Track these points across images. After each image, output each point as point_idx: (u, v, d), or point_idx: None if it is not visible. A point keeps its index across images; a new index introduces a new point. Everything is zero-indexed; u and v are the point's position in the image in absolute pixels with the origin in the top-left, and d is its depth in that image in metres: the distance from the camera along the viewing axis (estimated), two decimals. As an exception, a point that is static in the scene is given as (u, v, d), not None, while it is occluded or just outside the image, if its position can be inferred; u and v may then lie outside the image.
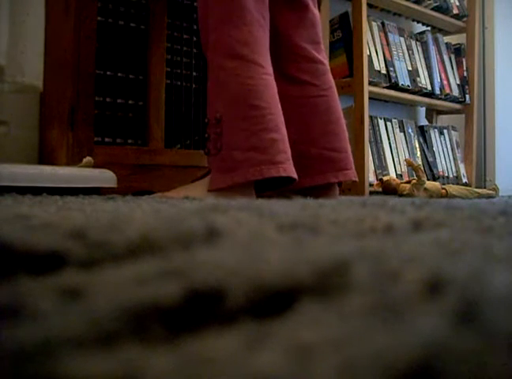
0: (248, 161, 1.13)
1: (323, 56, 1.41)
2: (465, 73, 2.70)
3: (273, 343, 0.17)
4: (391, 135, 2.33)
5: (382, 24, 2.31)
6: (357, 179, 1.42)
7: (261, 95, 1.16)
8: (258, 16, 1.21)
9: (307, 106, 1.35)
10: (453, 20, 2.64)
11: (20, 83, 1.20)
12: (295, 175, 1.18)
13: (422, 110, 2.82)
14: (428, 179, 2.08)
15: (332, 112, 1.37)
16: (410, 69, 2.38)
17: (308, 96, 1.35)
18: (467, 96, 2.67)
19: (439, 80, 2.53)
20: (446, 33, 2.74)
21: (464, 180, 2.62)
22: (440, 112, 2.78)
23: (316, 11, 1.41)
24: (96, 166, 1.25)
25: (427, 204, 0.73)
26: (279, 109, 1.19)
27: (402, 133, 2.39)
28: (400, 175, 2.27)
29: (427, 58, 2.50)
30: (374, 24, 2.27)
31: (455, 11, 2.61)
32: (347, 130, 1.42)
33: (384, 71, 2.24)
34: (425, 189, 1.84)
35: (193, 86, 1.57)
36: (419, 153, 2.45)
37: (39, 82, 1.26)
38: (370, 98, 2.14)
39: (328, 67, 1.42)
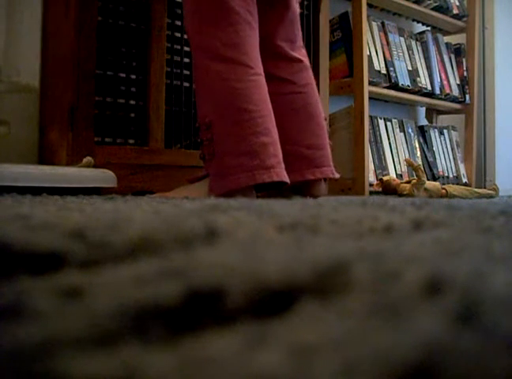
0: (240, 166, 1.12)
1: (300, 53, 1.40)
2: (465, 73, 2.70)
3: (273, 343, 0.17)
4: (391, 135, 2.33)
5: (382, 24, 2.31)
6: (335, 176, 1.40)
7: (250, 98, 1.15)
8: (245, 15, 1.19)
9: (284, 104, 1.33)
10: (453, 20, 2.64)
11: (16, 83, 1.20)
12: (286, 179, 1.18)
13: (422, 110, 2.82)
14: (428, 179, 2.08)
15: (310, 109, 1.36)
16: (410, 69, 2.38)
17: (284, 93, 1.33)
18: (467, 96, 2.67)
19: (439, 80, 2.53)
20: (446, 33, 2.74)
21: (465, 180, 2.62)
22: (440, 112, 2.78)
23: (297, 8, 1.40)
24: (96, 166, 1.25)
25: (427, 204, 0.73)
26: (269, 110, 1.18)
27: (402, 133, 2.39)
28: (400, 175, 2.27)
29: (427, 58, 2.50)
30: (374, 24, 2.27)
31: (455, 11, 2.61)
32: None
33: (384, 71, 2.24)
34: (425, 189, 1.84)
35: (193, 86, 1.57)
36: (419, 153, 2.45)
37: (35, 82, 1.26)
38: (370, 98, 2.14)
39: (307, 64, 1.40)
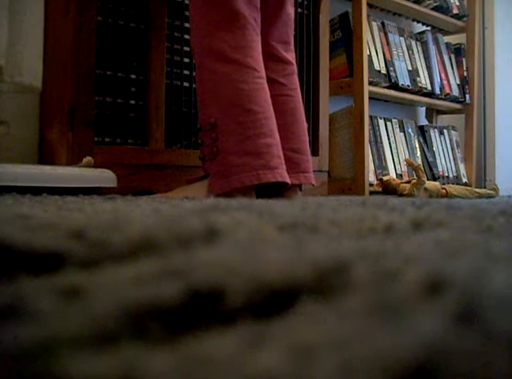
0: (244, 166, 1.13)
1: (292, 56, 1.41)
2: (465, 73, 2.70)
3: (273, 343, 0.17)
4: (391, 135, 2.33)
5: (382, 24, 2.31)
6: (315, 184, 1.42)
7: (255, 100, 1.16)
8: (251, 19, 1.21)
9: (274, 105, 1.34)
10: (453, 20, 2.64)
11: (19, 83, 1.19)
12: (288, 180, 1.18)
13: (422, 110, 2.82)
14: (428, 179, 2.08)
15: (296, 113, 1.37)
16: (410, 69, 2.38)
17: (275, 94, 1.32)
18: (467, 96, 2.67)
19: (439, 80, 2.53)
20: (446, 33, 2.74)
21: (464, 180, 2.62)
22: (440, 112, 2.78)
23: (291, 10, 1.40)
24: (96, 166, 1.25)
25: (427, 204, 0.73)
26: (272, 113, 1.20)
27: (402, 133, 2.39)
28: (401, 175, 2.27)
29: (427, 58, 2.49)
30: (374, 24, 2.27)
31: (455, 11, 2.61)
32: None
33: (384, 71, 2.23)
34: (425, 189, 1.84)
35: (193, 86, 1.57)
36: (419, 153, 2.45)
37: (38, 82, 1.26)
38: (370, 98, 2.14)
39: (295, 68, 1.42)
